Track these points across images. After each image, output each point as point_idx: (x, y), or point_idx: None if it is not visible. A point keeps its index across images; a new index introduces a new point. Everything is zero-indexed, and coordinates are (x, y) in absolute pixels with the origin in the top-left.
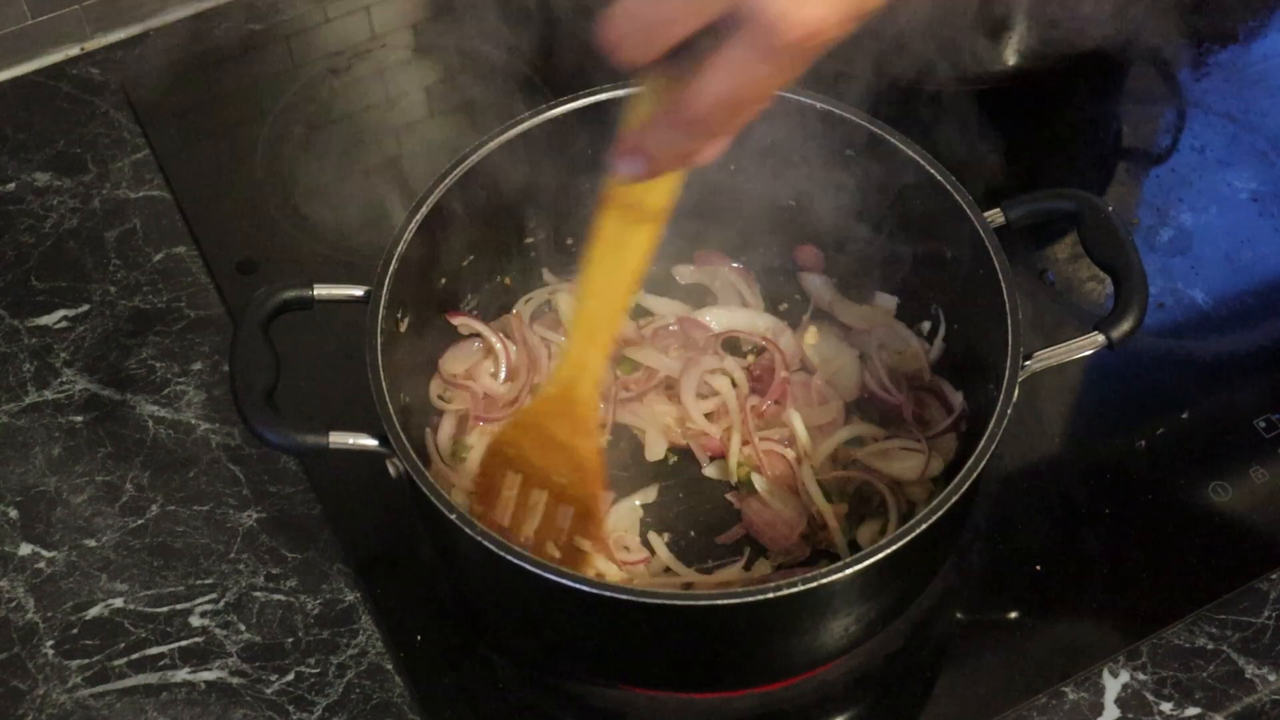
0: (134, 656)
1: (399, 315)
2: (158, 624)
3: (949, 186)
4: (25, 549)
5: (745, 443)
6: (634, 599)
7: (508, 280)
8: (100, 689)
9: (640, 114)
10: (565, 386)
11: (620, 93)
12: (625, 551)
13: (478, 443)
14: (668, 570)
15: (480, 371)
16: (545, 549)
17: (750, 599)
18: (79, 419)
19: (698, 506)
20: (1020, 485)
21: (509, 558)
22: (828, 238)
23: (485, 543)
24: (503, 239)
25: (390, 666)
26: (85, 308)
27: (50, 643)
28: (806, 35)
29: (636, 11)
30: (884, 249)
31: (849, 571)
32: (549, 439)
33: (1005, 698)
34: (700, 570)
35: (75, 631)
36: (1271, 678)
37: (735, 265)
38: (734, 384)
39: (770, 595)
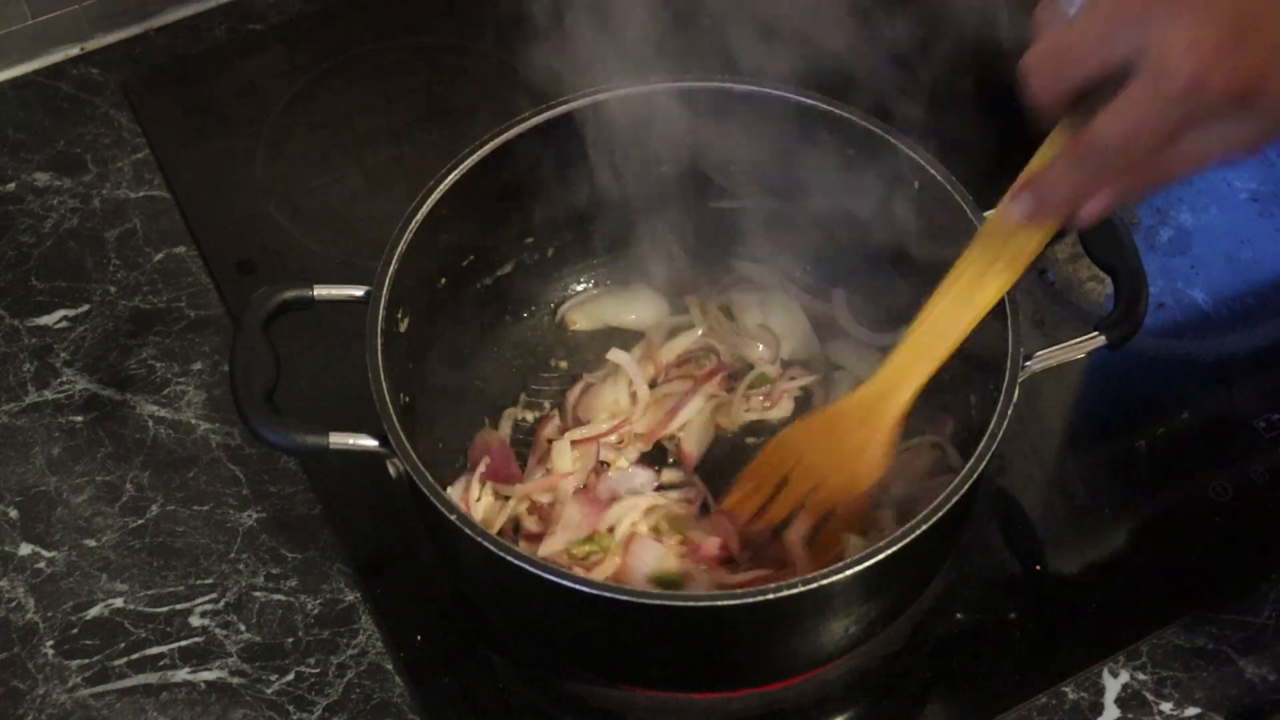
0: (134, 656)
1: (399, 315)
2: (158, 624)
3: (949, 186)
4: (25, 549)
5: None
6: (634, 599)
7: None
8: (100, 689)
9: (1043, 159)
10: (877, 395)
11: (619, 93)
12: None
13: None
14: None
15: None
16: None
17: (750, 599)
18: (79, 419)
19: None
20: (1020, 485)
21: (509, 558)
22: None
23: (485, 543)
24: (503, 239)
25: (390, 666)
26: (85, 308)
27: (50, 643)
28: (1189, 87)
29: (1052, 46)
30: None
31: (849, 572)
32: (836, 444)
33: (1005, 698)
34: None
35: (75, 631)
36: (1271, 678)
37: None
38: None
39: (770, 595)
